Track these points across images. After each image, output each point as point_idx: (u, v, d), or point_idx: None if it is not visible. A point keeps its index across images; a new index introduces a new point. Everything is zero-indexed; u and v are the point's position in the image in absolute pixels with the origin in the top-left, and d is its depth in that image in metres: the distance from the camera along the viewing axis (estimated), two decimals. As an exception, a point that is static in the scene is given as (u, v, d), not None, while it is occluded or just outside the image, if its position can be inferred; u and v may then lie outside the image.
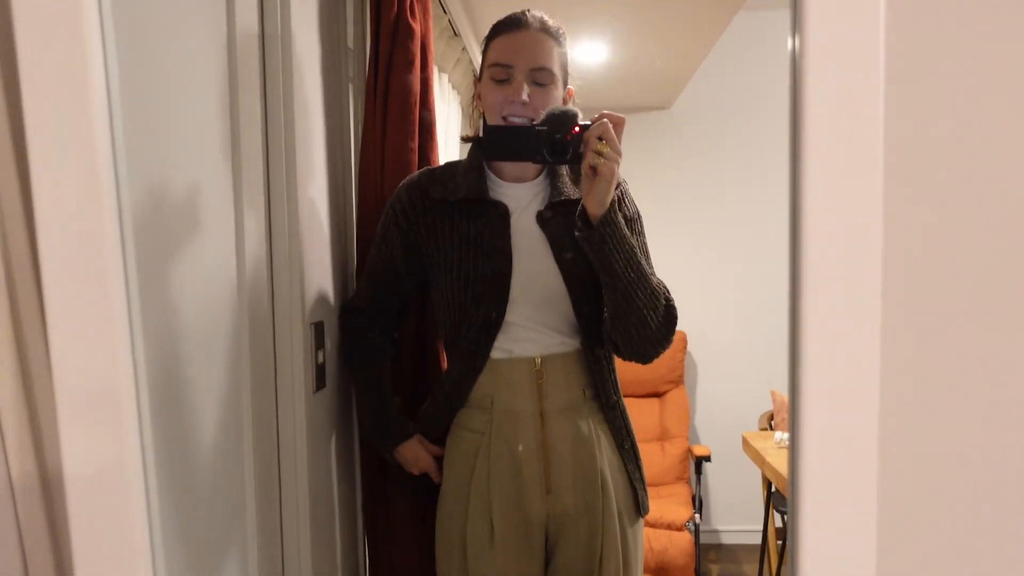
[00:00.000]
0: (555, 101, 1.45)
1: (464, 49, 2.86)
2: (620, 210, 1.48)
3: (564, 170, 1.52)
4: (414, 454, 1.57)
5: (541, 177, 1.53)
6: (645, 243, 1.53)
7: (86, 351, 0.78)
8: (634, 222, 1.52)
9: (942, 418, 0.80)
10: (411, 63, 1.63)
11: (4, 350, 0.81)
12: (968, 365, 0.80)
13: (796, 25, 0.77)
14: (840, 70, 0.76)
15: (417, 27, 1.65)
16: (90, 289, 0.78)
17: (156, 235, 0.98)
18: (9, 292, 0.81)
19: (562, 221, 1.45)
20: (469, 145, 1.58)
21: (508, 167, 1.51)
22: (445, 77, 2.80)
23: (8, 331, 0.81)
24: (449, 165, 1.56)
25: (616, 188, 1.47)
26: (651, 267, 1.50)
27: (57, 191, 0.76)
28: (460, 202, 1.49)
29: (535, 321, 1.47)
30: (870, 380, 0.78)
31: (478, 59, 3.05)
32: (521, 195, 1.50)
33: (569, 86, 1.52)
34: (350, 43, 1.71)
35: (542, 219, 1.47)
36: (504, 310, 1.46)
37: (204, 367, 1.13)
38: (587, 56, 3.19)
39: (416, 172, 1.58)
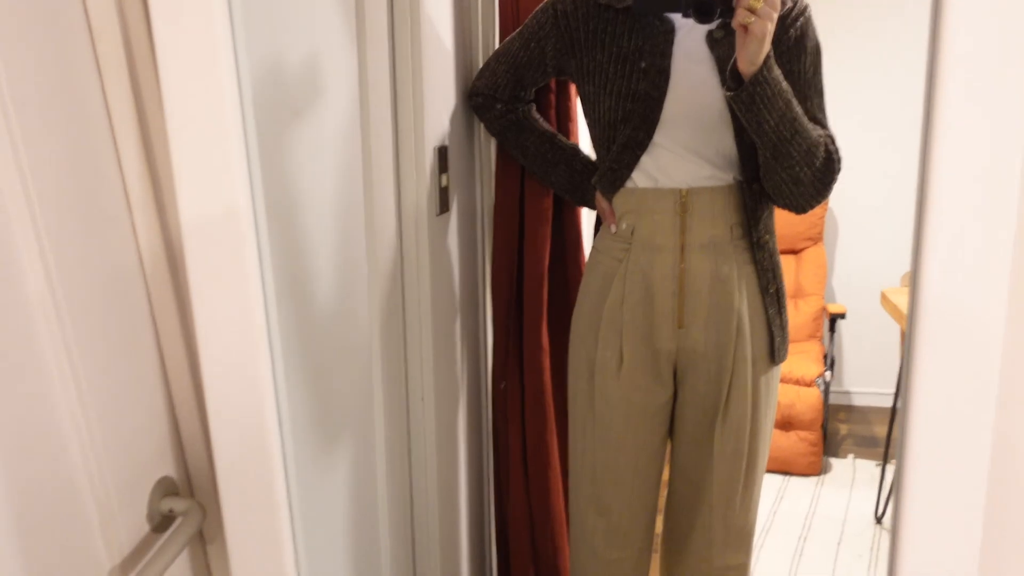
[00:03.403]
0: None
1: None
2: (804, 41, 1.37)
3: None
4: (600, 206, 1.58)
5: None
6: (821, 79, 1.41)
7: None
8: (813, 56, 1.39)
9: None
10: None
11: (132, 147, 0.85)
12: None
13: None
14: None
15: None
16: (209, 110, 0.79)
17: (274, 50, 0.99)
18: (133, 86, 0.84)
19: (735, 44, 1.33)
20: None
21: None
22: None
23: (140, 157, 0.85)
24: None
25: (799, 18, 1.37)
26: (821, 106, 1.41)
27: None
28: (625, 11, 1.41)
29: (686, 148, 1.40)
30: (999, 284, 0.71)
31: None
32: None
33: None
34: None
35: (712, 40, 1.37)
36: (652, 131, 1.40)
37: (321, 194, 1.15)
38: None
39: None
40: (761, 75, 1.23)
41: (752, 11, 1.17)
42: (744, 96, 1.25)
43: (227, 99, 0.81)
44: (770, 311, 1.47)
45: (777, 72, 1.26)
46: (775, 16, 1.19)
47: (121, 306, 0.83)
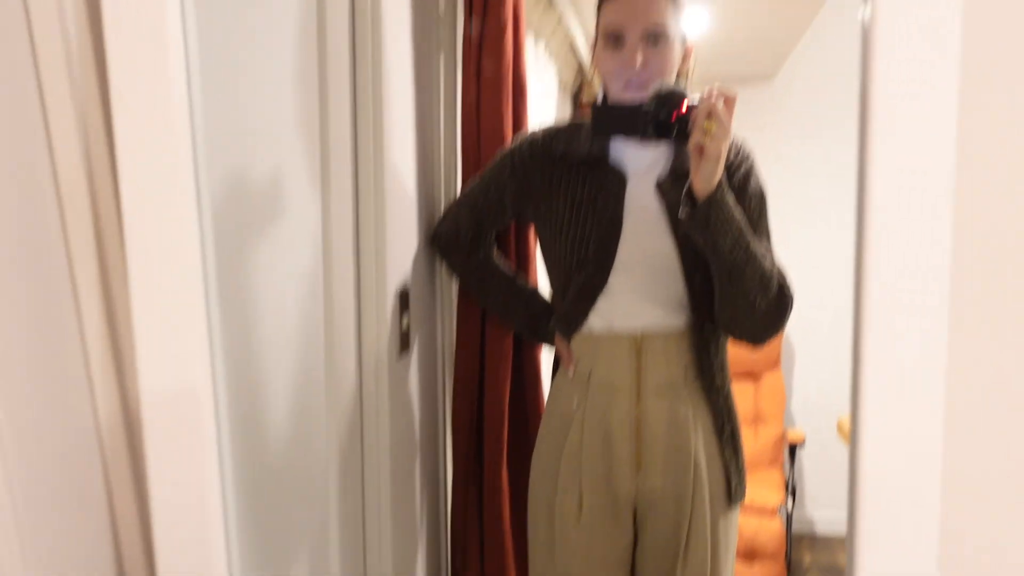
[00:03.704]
0: (672, 62, 1.40)
1: (560, 21, 2.82)
2: (747, 186, 1.43)
3: None
4: (558, 348, 1.58)
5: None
6: (767, 223, 1.47)
7: (169, 340, 0.80)
8: (758, 201, 1.45)
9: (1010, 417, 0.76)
10: (503, 28, 1.62)
11: (93, 309, 0.84)
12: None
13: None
14: (913, 45, 0.72)
15: (508, -7, 1.63)
16: (170, 265, 0.80)
17: (238, 208, 1.00)
18: (99, 256, 0.84)
19: (682, 190, 1.37)
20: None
21: None
22: (542, 44, 2.77)
23: (97, 291, 0.84)
24: (575, 124, 1.53)
25: (743, 164, 1.44)
26: (770, 249, 1.45)
27: (140, 170, 0.78)
28: (580, 162, 1.47)
29: (640, 292, 1.44)
30: (935, 376, 0.74)
31: (575, 29, 3.01)
32: (643, 158, 1.46)
33: (688, 43, 1.46)
34: (440, 11, 1.71)
35: (661, 189, 1.42)
36: (607, 276, 1.43)
37: (282, 343, 1.15)
38: (689, 24, 3.10)
39: (540, 128, 1.57)
40: (716, 195, 1.27)
41: (707, 132, 1.23)
42: (700, 216, 1.28)
43: (190, 262, 0.81)
44: (726, 452, 1.48)
45: (731, 197, 1.31)
46: (728, 139, 1.25)
47: (75, 473, 0.81)
